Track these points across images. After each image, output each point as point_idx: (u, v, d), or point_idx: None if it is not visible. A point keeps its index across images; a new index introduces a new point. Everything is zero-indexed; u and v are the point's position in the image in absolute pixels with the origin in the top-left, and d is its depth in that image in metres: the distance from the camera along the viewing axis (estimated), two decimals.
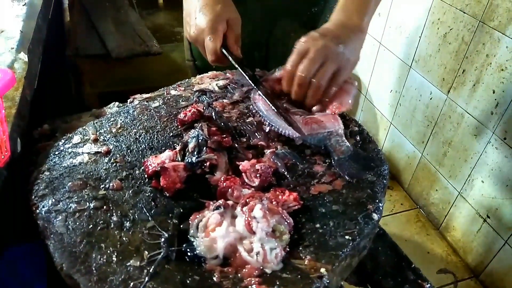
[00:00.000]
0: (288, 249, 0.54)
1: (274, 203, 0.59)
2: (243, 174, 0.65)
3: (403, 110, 1.92)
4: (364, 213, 0.60)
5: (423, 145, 1.82)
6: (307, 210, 0.61)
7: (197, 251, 0.52)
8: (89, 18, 1.82)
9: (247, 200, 0.58)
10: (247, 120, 0.78)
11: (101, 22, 1.83)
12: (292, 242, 0.55)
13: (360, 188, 0.64)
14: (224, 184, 0.61)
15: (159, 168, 0.62)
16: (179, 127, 0.75)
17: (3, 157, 0.60)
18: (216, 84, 0.88)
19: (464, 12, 1.49)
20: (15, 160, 0.66)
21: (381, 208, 0.61)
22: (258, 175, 0.64)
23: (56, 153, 0.69)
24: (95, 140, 0.71)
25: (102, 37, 1.73)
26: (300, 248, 0.55)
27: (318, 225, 0.58)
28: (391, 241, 0.73)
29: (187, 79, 0.92)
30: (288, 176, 0.67)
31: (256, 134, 0.75)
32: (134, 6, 2.27)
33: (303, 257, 0.53)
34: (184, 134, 0.72)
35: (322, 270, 0.52)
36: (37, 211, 0.57)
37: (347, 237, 0.56)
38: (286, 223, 0.57)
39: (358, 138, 0.75)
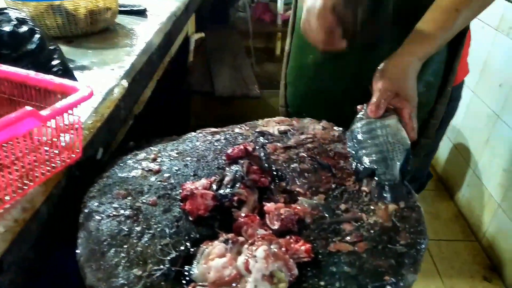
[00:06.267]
0: None
1: (283, 249, 0.57)
2: (266, 215, 0.65)
3: None
4: (377, 284, 0.54)
5: None
6: (317, 265, 0.57)
7: (192, 276, 0.54)
8: (207, 61, 2.08)
9: (256, 239, 0.58)
10: (291, 166, 0.78)
11: (216, 65, 2.07)
12: None
13: (384, 256, 0.58)
14: (242, 220, 0.63)
15: (189, 193, 0.67)
16: (226, 161, 0.79)
17: (73, 155, 0.71)
18: (278, 129, 0.91)
19: None
20: (92, 165, 0.78)
21: (401, 285, 0.55)
22: (280, 219, 0.64)
23: (121, 164, 0.79)
24: (154, 159, 0.80)
25: (212, 78, 1.95)
26: None
27: (322, 283, 0.55)
28: None
29: (255, 120, 0.98)
30: (312, 227, 0.65)
31: (295, 180, 0.75)
32: (251, 53, 2.51)
33: None
34: (227, 168, 0.76)
35: None
36: (83, 208, 0.67)
37: None
38: (288, 273, 0.55)
39: (402, 204, 0.68)
